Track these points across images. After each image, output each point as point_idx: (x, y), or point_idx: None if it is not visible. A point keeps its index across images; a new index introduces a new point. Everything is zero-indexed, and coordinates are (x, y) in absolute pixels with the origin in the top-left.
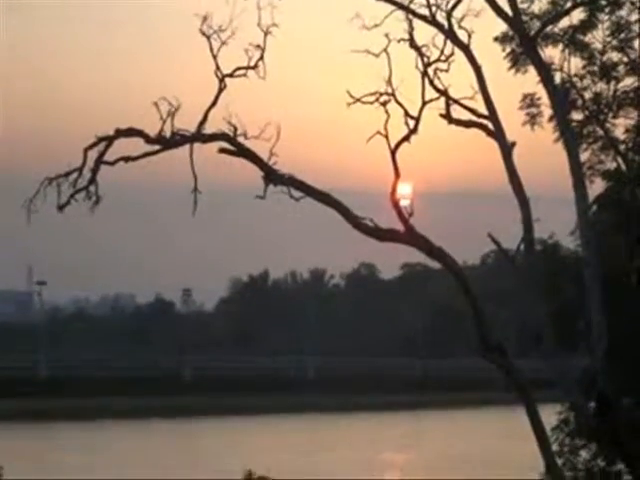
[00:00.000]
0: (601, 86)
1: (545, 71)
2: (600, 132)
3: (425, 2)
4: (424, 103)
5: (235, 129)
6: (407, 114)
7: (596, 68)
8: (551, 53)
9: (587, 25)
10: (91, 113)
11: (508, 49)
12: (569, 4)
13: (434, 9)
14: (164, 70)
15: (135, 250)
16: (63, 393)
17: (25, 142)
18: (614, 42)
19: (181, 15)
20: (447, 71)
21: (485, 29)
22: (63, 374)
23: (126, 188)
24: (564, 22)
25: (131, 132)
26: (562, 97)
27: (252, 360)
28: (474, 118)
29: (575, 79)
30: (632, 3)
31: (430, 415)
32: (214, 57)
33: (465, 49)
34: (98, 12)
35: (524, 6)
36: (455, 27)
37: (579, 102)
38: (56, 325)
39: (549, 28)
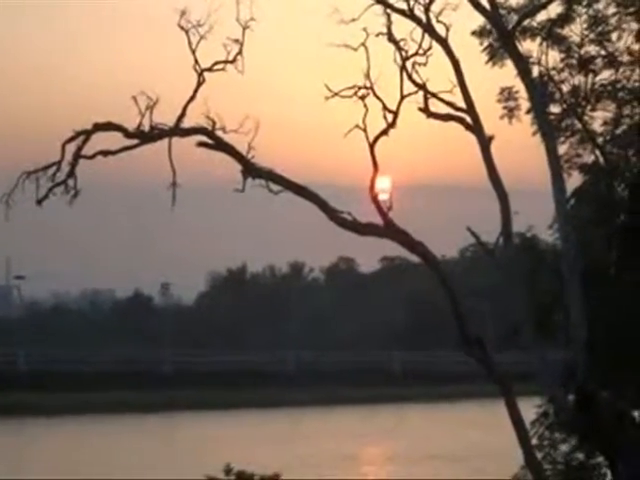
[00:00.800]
0: (579, 79)
1: (523, 64)
2: (578, 125)
3: None
4: (402, 97)
5: (214, 123)
6: (385, 108)
7: (574, 61)
8: (529, 47)
9: (565, 18)
10: (68, 107)
11: (486, 43)
12: None
13: (412, 3)
14: (142, 64)
15: (114, 245)
16: (43, 388)
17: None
18: (592, 35)
19: (159, 9)
20: (425, 65)
21: (463, 23)
22: (43, 368)
23: (105, 183)
24: (542, 16)
25: (109, 126)
26: (540, 90)
27: (232, 354)
28: (452, 112)
29: (553, 72)
30: None
31: (410, 408)
32: (193, 52)
33: (443, 43)
34: (75, 4)
35: (502, 0)
36: (433, 21)
37: (557, 95)
38: (35, 319)
39: (527, 22)
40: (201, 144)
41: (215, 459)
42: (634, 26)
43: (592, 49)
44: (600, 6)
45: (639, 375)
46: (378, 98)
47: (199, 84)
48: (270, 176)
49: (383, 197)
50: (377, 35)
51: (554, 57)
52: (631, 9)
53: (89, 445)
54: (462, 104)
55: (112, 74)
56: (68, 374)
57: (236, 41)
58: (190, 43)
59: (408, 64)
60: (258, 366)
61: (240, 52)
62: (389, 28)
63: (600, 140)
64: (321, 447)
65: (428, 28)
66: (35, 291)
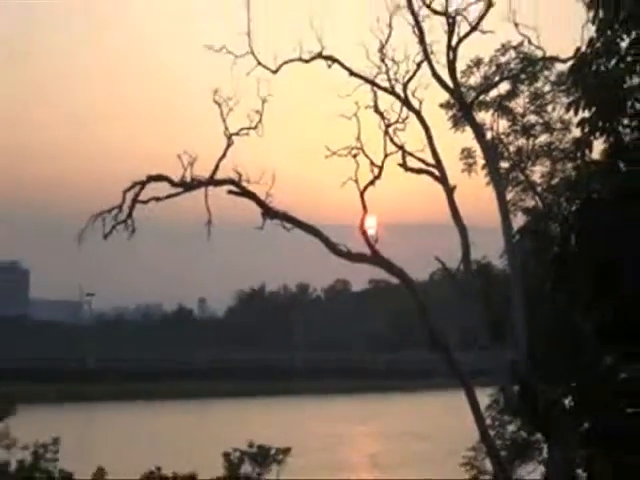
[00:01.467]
0: (522, 141)
1: (479, 130)
2: (521, 177)
3: (386, 77)
4: (385, 155)
5: (240, 175)
6: (372, 164)
7: (518, 128)
8: (483, 116)
9: (511, 94)
10: (125, 163)
11: (450, 113)
12: (497, 78)
13: (393, 82)
14: (185, 130)
15: (162, 269)
16: (107, 380)
17: (70, 185)
18: (532, 107)
19: (197, 88)
20: (403, 130)
21: (433, 98)
22: (107, 366)
23: (156, 220)
24: (493, 92)
25: (159, 178)
26: (492, 150)
27: (252, 353)
28: (424, 167)
29: (502, 136)
30: (545, 77)
31: (390, 397)
32: (223, 120)
33: (417, 114)
34: (141, 86)
35: (462, 80)
36: (410, 96)
37: (505, 154)
38: (101, 328)
39: (482, 97)
40: (230, 192)
41: (243, 436)
42: (564, 100)
43: (532, 118)
44: (539, 84)
45: (567, 372)
46: (367, 156)
47: (228, 145)
48: (284, 217)
49: (371, 233)
50: (366, 107)
51: (503, 124)
52: (562, 87)
53: (141, 424)
54: (432, 161)
55: (160, 137)
56: (126, 370)
57: (257, 112)
58: (222, 114)
59: (390, 130)
60: (272, 363)
61: (260, 121)
62: (375, 102)
63: (539, 189)
64: (321, 427)
65: (406, 102)
66: (101, 305)
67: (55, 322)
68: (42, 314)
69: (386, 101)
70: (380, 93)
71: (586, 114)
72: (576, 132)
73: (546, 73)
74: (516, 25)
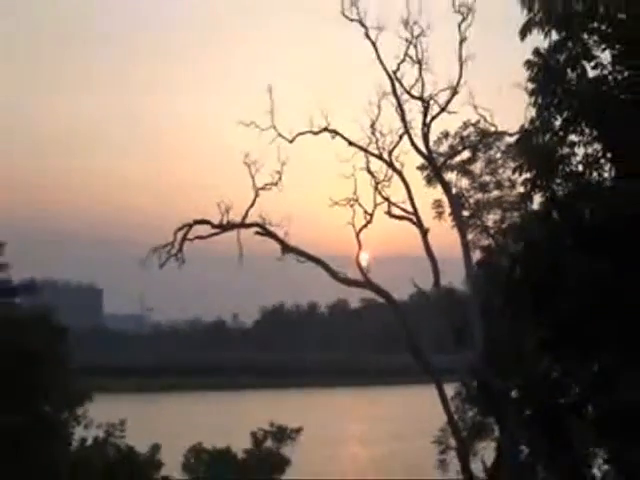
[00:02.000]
0: (479, 196)
1: (446, 187)
2: (479, 223)
3: (376, 146)
4: (375, 205)
5: (264, 220)
6: (365, 212)
7: (476, 185)
8: (450, 176)
9: (471, 160)
10: (177, 205)
11: (425, 173)
12: (460, 147)
13: (382, 150)
14: (221, 185)
15: (205, 290)
16: (164, 375)
17: (136, 217)
18: (487, 170)
19: (232, 152)
20: (389, 186)
21: (411, 161)
22: (164, 366)
23: (200, 250)
24: (458, 158)
25: (203, 221)
26: (456, 202)
27: (272, 356)
28: (404, 214)
29: (464, 191)
30: (497, 147)
31: (381, 390)
32: (252, 177)
33: (399, 174)
34: (187, 151)
35: (434, 148)
36: (394, 161)
37: (466, 205)
38: (157, 336)
39: (449, 162)
40: (257, 233)
41: (266, 419)
42: (512, 164)
43: (487, 178)
44: (492, 152)
45: (514, 371)
46: (361, 206)
47: (256, 197)
48: (298, 252)
49: (364, 264)
50: (361, 169)
51: (465, 182)
52: (510, 154)
53: (186, 411)
54: (411, 209)
55: (203, 190)
56: (175, 367)
57: (277, 172)
58: (251, 173)
59: (379, 186)
60: (288, 363)
61: (280, 179)
62: (368, 165)
63: (492, 232)
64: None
65: (391, 165)
66: (158, 318)
67: (122, 330)
68: (114, 325)
69: (376, 164)
70: (371, 158)
71: (528, 175)
72: (520, 189)
73: (498, 144)
74: (475, 107)
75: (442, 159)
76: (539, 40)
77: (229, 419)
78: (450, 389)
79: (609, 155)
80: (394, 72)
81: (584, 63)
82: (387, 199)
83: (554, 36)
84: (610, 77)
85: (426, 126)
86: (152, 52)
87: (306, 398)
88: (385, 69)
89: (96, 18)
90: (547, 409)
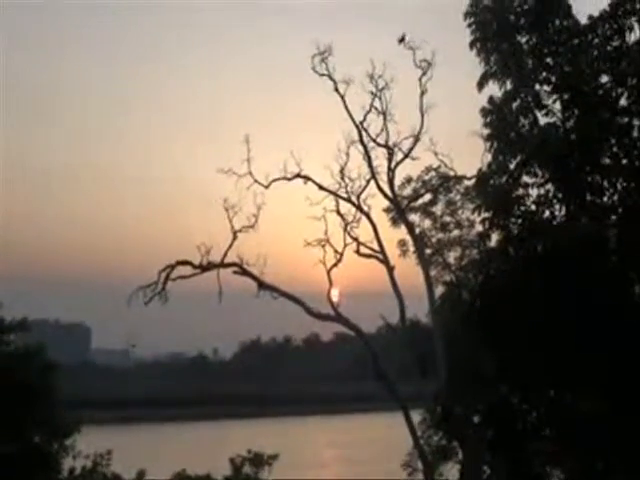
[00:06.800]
0: (441, 235)
1: (410, 227)
2: (440, 260)
3: (345, 190)
4: (345, 245)
5: (242, 260)
6: (335, 251)
7: (438, 225)
8: (414, 217)
9: (433, 202)
10: (161, 249)
11: (390, 215)
12: (422, 191)
13: (350, 194)
14: (202, 228)
15: (186, 326)
16: (149, 407)
17: (123, 260)
18: (447, 211)
19: (211, 198)
20: (357, 227)
21: (378, 204)
22: (147, 397)
23: (182, 289)
24: (420, 201)
25: (185, 262)
26: (420, 241)
27: (251, 387)
28: (372, 253)
29: (427, 231)
30: (457, 190)
31: (353, 416)
32: (230, 220)
33: (367, 216)
34: (171, 194)
35: (399, 192)
36: (362, 203)
37: (429, 244)
38: (142, 370)
39: (412, 204)
40: (235, 272)
41: (245, 445)
42: (470, 205)
43: (448, 218)
44: (452, 195)
45: (475, 397)
46: (331, 246)
47: (234, 239)
48: (273, 289)
49: (335, 299)
50: (331, 211)
51: (427, 223)
52: (469, 196)
53: (170, 439)
54: (378, 248)
55: (183, 232)
56: (161, 399)
57: (254, 215)
58: (229, 217)
59: (348, 227)
60: (265, 391)
61: (256, 221)
62: (337, 207)
63: (453, 268)
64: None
65: (359, 207)
66: (143, 352)
67: (109, 365)
68: (101, 360)
69: (345, 207)
70: (341, 201)
71: (486, 215)
72: (479, 228)
73: (457, 187)
74: (435, 154)
75: (406, 202)
76: (495, 89)
77: (210, 447)
78: (416, 415)
79: (560, 195)
80: (361, 122)
81: (535, 111)
82: (356, 239)
83: (508, 86)
84: (559, 123)
85: (391, 171)
86: (131, 102)
87: (283, 426)
88: (352, 119)
89: (75, 69)
90: (507, 432)
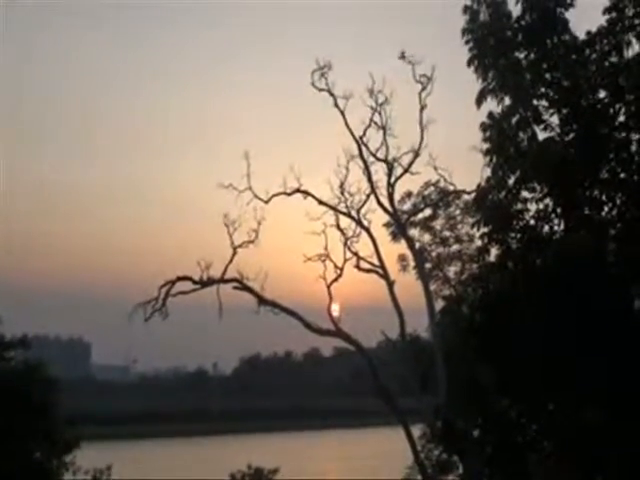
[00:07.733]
0: (440, 249)
1: (410, 242)
2: (440, 274)
3: (345, 205)
4: (345, 260)
5: (242, 275)
6: (336, 266)
7: (438, 240)
8: (413, 232)
9: (432, 217)
10: (158, 262)
11: (390, 230)
12: (422, 205)
13: (350, 208)
14: (204, 244)
15: (187, 342)
16: (150, 422)
17: (123, 275)
18: (447, 226)
19: (211, 213)
20: (357, 242)
21: (378, 219)
22: (145, 412)
23: (183, 305)
24: (420, 215)
25: (185, 278)
26: (419, 256)
27: (251, 401)
28: (372, 267)
29: (427, 246)
30: (456, 204)
31: (353, 430)
32: (230, 236)
33: (367, 230)
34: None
35: (398, 206)
36: (362, 218)
37: (429, 258)
38: (143, 384)
39: (412, 219)
40: (235, 287)
41: (247, 460)
42: (470, 220)
43: (447, 233)
44: (451, 209)
45: (470, 412)
46: (331, 261)
47: (234, 254)
48: (273, 304)
49: (335, 314)
50: (331, 226)
51: (427, 238)
52: (468, 211)
53: (168, 455)
54: (378, 263)
55: (184, 248)
56: (162, 414)
57: (254, 231)
58: (229, 232)
59: (348, 242)
60: (265, 406)
61: (256, 236)
62: (337, 222)
63: (453, 282)
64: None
65: (359, 222)
66: (143, 368)
67: (109, 380)
68: (101, 375)
69: (345, 222)
70: (341, 216)
71: (485, 230)
72: (478, 242)
73: (457, 202)
74: (435, 168)
75: (406, 216)
76: (493, 105)
77: (210, 462)
78: (416, 430)
79: (559, 210)
80: (360, 137)
81: (534, 126)
82: (356, 254)
83: (507, 102)
84: (558, 138)
85: (391, 186)
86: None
87: (283, 441)
88: (352, 134)
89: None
90: (506, 446)
